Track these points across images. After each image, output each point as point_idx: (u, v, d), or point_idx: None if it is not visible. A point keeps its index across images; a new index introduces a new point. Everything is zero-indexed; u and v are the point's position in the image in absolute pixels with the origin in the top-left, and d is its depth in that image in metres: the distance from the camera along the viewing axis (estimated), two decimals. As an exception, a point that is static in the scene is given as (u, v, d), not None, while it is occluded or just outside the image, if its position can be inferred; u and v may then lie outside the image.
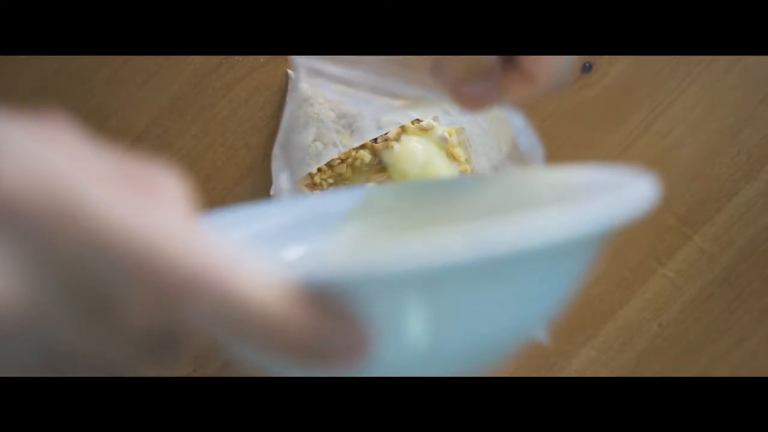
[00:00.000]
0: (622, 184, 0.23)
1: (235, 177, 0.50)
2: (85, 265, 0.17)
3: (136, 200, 0.18)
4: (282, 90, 0.50)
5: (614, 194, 0.22)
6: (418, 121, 0.49)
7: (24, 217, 0.17)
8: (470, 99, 0.28)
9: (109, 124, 0.49)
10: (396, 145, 0.48)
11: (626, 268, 0.52)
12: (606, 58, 0.51)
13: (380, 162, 0.49)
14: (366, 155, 0.48)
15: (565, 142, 0.51)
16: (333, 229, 0.31)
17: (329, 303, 0.19)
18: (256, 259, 0.19)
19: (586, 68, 0.51)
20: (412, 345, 0.21)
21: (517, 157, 0.45)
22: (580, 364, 0.52)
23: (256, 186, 0.50)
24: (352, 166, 0.49)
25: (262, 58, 0.50)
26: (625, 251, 0.52)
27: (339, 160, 0.48)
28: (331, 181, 0.49)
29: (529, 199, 0.29)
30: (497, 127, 0.48)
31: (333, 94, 0.46)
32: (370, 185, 0.46)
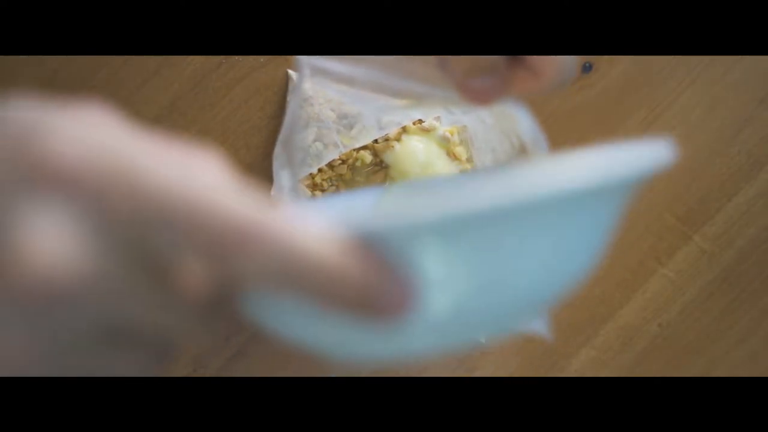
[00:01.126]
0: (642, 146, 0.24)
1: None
2: (141, 228, 0.18)
3: (184, 166, 0.18)
4: (282, 90, 0.50)
5: (639, 148, 0.23)
6: (420, 121, 0.49)
7: (80, 185, 0.17)
8: (476, 93, 0.28)
9: (109, 124, 0.49)
10: (397, 145, 0.48)
11: (626, 268, 0.52)
12: (606, 58, 0.51)
13: (381, 162, 0.49)
14: (367, 155, 0.48)
15: (565, 142, 0.51)
16: None
17: (381, 255, 0.19)
18: (308, 213, 0.19)
19: (586, 68, 0.51)
20: (454, 299, 0.21)
21: (521, 152, 0.45)
22: (580, 364, 0.52)
23: (256, 186, 0.50)
24: (352, 166, 0.49)
25: (262, 58, 0.50)
26: (625, 251, 0.52)
27: (340, 161, 0.48)
28: (331, 181, 0.49)
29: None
30: (502, 123, 0.48)
31: (334, 94, 0.46)
32: (384, 186, 0.46)
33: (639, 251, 0.52)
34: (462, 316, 0.21)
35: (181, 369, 0.50)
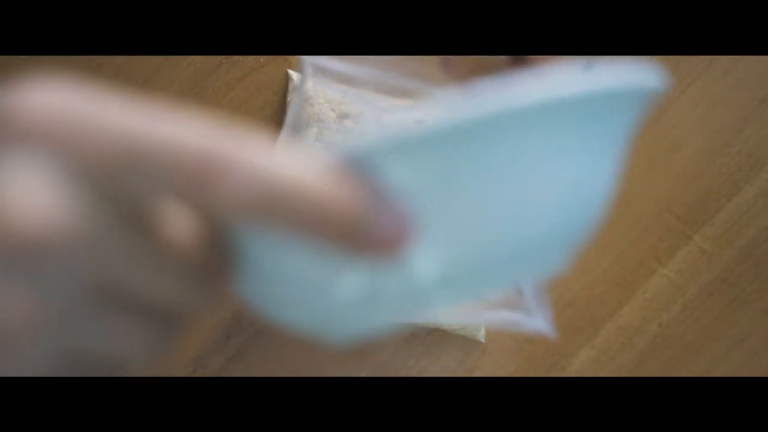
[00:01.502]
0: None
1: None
2: (117, 177, 0.18)
3: (153, 115, 0.18)
4: (282, 90, 0.50)
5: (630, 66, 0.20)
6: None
7: (50, 136, 0.17)
8: None
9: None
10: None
11: (626, 268, 0.52)
12: (606, 58, 0.51)
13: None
14: (366, 155, 0.48)
15: (565, 142, 0.51)
16: None
17: (370, 182, 0.18)
18: (284, 146, 0.18)
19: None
20: (453, 232, 0.19)
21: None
22: (580, 364, 0.52)
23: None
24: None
25: (262, 58, 0.50)
26: (625, 251, 0.52)
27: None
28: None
29: None
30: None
31: (336, 93, 0.46)
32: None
33: (639, 251, 0.52)
34: (463, 259, 0.19)
35: (181, 369, 0.50)
